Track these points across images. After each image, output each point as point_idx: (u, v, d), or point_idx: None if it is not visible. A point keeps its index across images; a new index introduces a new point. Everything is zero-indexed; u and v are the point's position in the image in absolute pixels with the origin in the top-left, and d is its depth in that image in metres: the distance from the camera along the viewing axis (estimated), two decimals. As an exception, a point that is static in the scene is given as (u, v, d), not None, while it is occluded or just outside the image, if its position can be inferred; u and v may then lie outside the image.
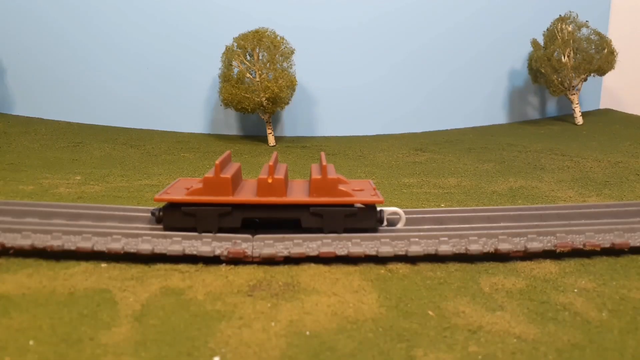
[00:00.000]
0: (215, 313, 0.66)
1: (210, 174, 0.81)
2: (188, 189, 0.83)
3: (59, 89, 2.20)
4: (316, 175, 0.83)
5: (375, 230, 0.83)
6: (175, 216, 0.81)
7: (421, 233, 0.82)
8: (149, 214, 0.87)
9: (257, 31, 1.89)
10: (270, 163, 0.83)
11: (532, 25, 2.34)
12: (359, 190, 0.85)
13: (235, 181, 0.84)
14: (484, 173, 1.49)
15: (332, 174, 0.83)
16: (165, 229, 0.82)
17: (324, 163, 0.83)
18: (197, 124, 2.22)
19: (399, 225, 0.87)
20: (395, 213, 0.88)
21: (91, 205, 0.91)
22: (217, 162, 0.81)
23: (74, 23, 2.15)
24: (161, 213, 0.83)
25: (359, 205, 0.83)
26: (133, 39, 2.16)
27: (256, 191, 0.82)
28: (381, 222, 0.85)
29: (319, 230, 0.82)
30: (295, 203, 0.82)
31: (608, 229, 0.85)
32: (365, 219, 0.83)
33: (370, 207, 0.83)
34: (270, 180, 0.81)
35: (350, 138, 2.17)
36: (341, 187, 0.82)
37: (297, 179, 0.95)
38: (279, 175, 0.82)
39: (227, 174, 0.81)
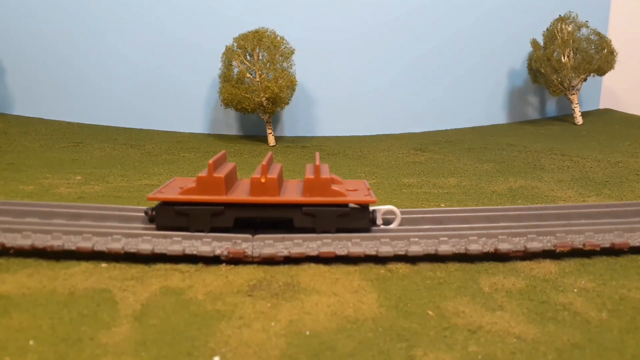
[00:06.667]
0: (215, 313, 0.66)
1: (203, 173, 0.81)
2: (182, 188, 0.83)
3: (59, 89, 2.20)
4: (309, 175, 0.83)
5: (368, 230, 0.83)
6: (168, 215, 0.81)
7: (421, 233, 0.82)
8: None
9: (257, 31, 1.89)
10: (264, 163, 0.83)
11: (532, 25, 2.34)
12: (353, 190, 0.85)
13: (229, 181, 0.84)
14: (483, 173, 1.49)
15: (325, 173, 0.83)
16: (158, 228, 0.82)
17: (318, 163, 0.83)
18: (197, 124, 2.22)
19: (394, 224, 0.87)
20: (390, 212, 0.88)
21: (91, 205, 0.92)
22: (210, 161, 0.81)
23: (74, 24, 2.15)
24: (154, 212, 0.83)
25: (353, 205, 0.83)
26: (133, 39, 2.16)
27: (249, 191, 0.82)
28: (374, 222, 0.85)
29: (312, 230, 0.82)
30: (288, 203, 0.82)
31: (608, 229, 0.85)
32: (358, 218, 0.83)
33: (363, 207, 0.83)
34: (263, 180, 0.81)
35: (350, 138, 2.17)
36: (334, 187, 0.82)
37: (293, 179, 0.95)
38: (272, 175, 0.82)
39: (221, 173, 0.82)
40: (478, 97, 2.43)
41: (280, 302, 0.69)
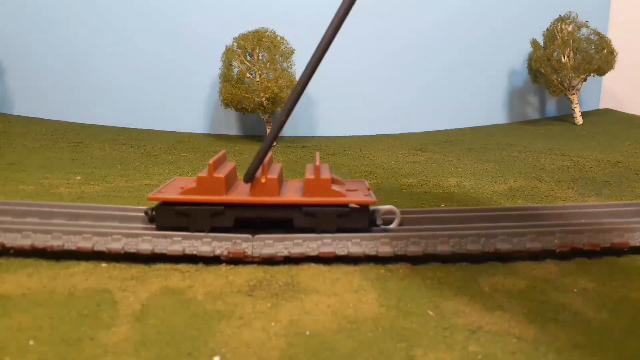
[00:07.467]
0: (215, 313, 0.66)
1: (203, 173, 0.81)
2: (182, 188, 0.83)
3: (59, 89, 2.20)
4: (309, 175, 0.83)
5: (368, 230, 0.83)
6: (168, 215, 0.81)
7: (421, 233, 0.82)
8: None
9: (257, 31, 1.90)
10: (264, 163, 0.83)
11: (532, 25, 2.34)
12: (353, 190, 0.85)
13: (229, 181, 0.84)
14: (483, 173, 1.49)
15: (325, 174, 0.83)
16: (158, 228, 0.82)
17: (318, 163, 0.83)
18: (197, 124, 2.22)
19: (394, 224, 0.87)
20: (390, 212, 0.88)
21: (91, 205, 0.91)
22: (210, 161, 0.81)
23: (74, 23, 2.16)
24: (154, 212, 0.83)
25: (353, 205, 0.83)
26: (133, 39, 2.16)
27: (249, 191, 0.82)
28: (374, 222, 0.85)
29: (312, 230, 0.82)
30: (288, 203, 0.81)
31: (608, 229, 0.84)
32: (358, 219, 0.83)
33: (363, 207, 0.83)
34: (263, 180, 0.81)
35: (350, 138, 2.17)
36: (334, 187, 0.82)
37: (293, 179, 0.95)
38: (273, 175, 0.82)
39: (221, 173, 0.82)
40: (478, 97, 2.43)
41: (280, 302, 0.69)
